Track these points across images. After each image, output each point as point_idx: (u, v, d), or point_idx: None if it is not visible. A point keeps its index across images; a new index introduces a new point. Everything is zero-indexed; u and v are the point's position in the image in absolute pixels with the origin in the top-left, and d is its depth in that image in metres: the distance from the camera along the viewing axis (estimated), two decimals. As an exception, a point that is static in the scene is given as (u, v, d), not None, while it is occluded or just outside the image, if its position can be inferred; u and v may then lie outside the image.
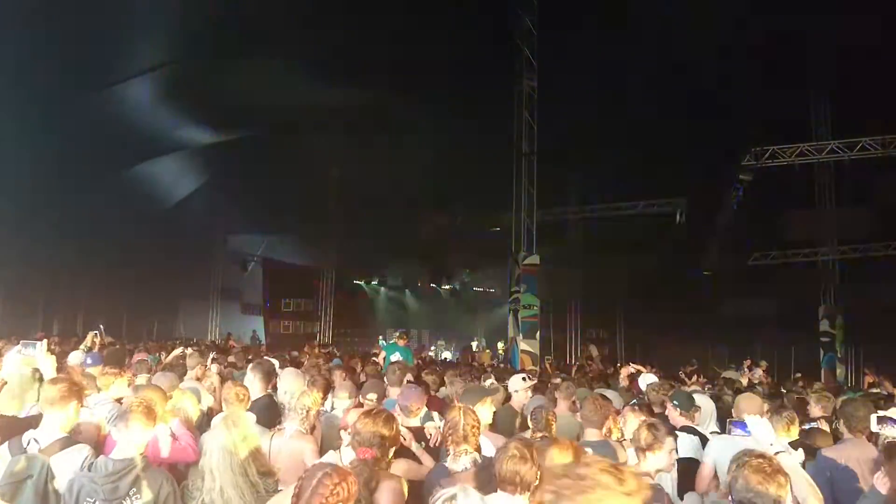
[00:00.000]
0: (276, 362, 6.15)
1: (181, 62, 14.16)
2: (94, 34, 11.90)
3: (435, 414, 4.62)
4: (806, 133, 16.48)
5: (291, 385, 4.66)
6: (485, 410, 4.24)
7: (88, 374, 5.24)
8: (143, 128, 15.52)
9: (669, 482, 3.90)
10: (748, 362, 14.08)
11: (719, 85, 14.97)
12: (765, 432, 3.40)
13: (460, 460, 3.35)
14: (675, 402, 4.79)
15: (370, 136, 17.34)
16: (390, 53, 14.39)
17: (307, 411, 4.11)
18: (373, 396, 4.88)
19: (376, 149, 17.81)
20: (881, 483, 3.35)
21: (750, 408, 4.23)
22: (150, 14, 12.49)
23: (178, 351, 8.32)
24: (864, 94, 14.84)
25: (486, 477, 2.92)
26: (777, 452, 3.21)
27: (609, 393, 5.92)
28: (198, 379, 6.11)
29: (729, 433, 3.75)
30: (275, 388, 5.31)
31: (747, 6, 13.74)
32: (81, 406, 3.69)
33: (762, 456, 2.60)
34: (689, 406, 4.75)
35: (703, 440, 4.47)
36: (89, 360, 5.58)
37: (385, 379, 6.02)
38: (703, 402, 5.23)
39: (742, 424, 3.60)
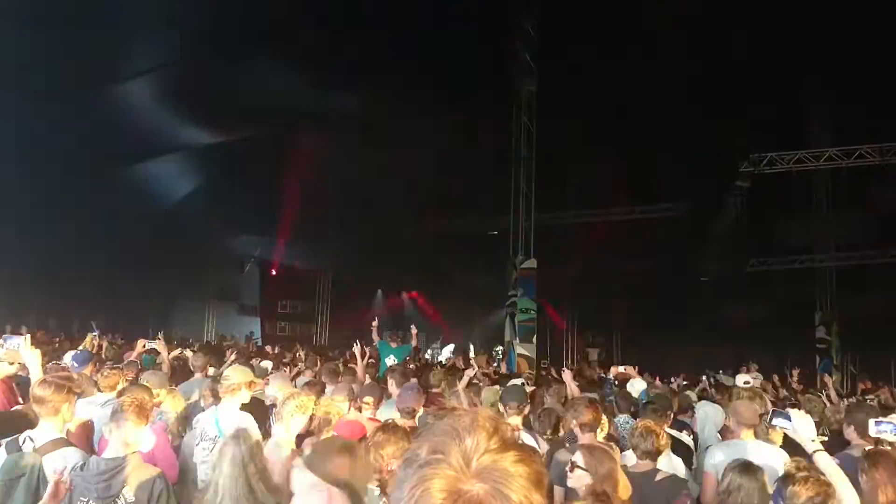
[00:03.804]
0: (269, 364, 6.11)
1: (180, 62, 14.15)
2: (94, 34, 11.89)
3: None
4: (804, 140, 16.52)
5: (282, 389, 4.63)
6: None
7: (83, 375, 5.20)
8: (142, 128, 15.49)
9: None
10: (744, 368, 14.06)
11: (718, 91, 15.00)
12: (808, 429, 3.43)
13: None
14: None
15: (368, 137, 17.31)
16: (387, 54, 14.38)
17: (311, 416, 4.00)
18: (369, 399, 4.87)
19: (375, 150, 17.77)
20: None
21: (747, 414, 4.18)
22: (150, 13, 12.48)
23: (177, 352, 8.27)
24: (863, 101, 14.88)
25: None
26: (815, 451, 3.30)
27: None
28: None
29: (769, 422, 3.74)
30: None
31: (746, 11, 13.78)
32: (74, 405, 3.65)
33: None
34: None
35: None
36: (76, 364, 5.47)
37: (387, 383, 6.00)
38: (710, 409, 5.30)
39: (786, 415, 3.57)
